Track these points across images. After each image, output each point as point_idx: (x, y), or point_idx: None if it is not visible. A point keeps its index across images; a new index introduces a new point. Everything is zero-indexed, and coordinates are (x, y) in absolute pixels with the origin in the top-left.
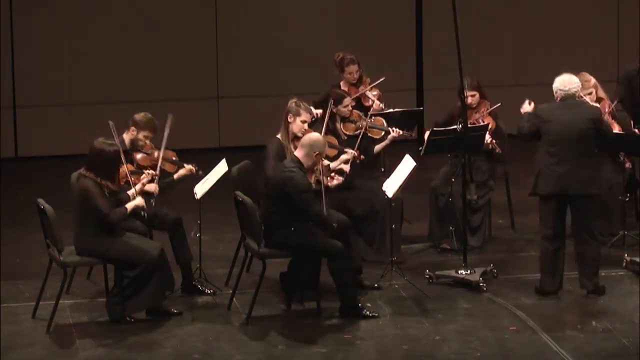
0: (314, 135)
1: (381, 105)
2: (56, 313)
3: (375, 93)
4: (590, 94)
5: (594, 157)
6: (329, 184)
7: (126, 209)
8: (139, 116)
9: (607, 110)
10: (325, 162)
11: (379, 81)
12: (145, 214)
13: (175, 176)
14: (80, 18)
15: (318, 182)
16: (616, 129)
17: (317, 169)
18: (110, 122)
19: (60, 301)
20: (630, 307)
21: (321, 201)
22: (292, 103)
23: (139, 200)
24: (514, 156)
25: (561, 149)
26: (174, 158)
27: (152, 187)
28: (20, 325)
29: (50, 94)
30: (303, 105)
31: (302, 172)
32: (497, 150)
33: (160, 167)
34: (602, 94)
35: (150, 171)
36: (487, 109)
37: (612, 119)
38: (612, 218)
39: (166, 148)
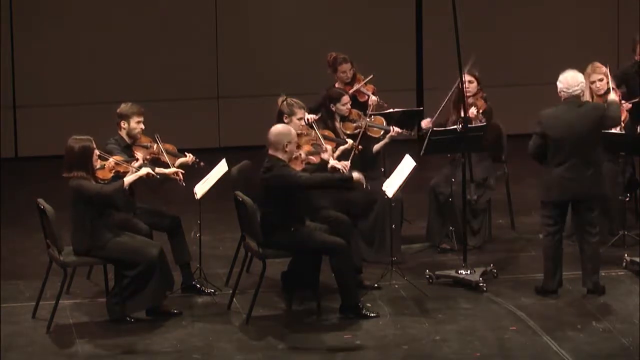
0: (276, 129)
1: (377, 99)
2: (56, 313)
3: (372, 93)
4: (601, 80)
5: (598, 157)
6: (323, 156)
7: (123, 181)
8: (121, 109)
9: (617, 97)
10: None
11: (369, 77)
12: (158, 175)
13: (176, 163)
14: (80, 18)
15: (308, 163)
16: (624, 116)
17: (299, 156)
18: (157, 135)
19: (60, 301)
20: (630, 307)
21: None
22: (283, 103)
23: (143, 171)
24: (514, 156)
25: (566, 152)
26: (172, 149)
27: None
28: (20, 325)
29: (51, 94)
30: (295, 103)
31: (281, 164)
32: (480, 120)
33: (159, 158)
34: (613, 82)
35: (139, 154)
36: (482, 96)
37: (622, 105)
38: (612, 218)
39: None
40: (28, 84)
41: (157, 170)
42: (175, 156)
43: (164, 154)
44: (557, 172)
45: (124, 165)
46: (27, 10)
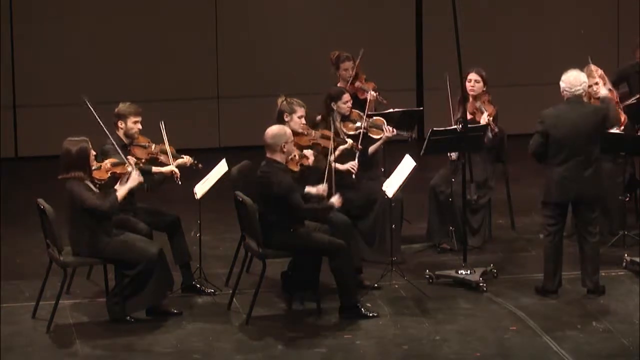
0: (271, 131)
1: (377, 94)
2: (56, 313)
3: (371, 88)
4: (597, 84)
5: (598, 158)
6: (308, 162)
7: (116, 196)
8: (118, 108)
9: (615, 100)
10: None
11: (360, 55)
12: (147, 186)
13: (174, 164)
14: (80, 18)
15: (302, 164)
16: (623, 118)
17: (293, 157)
18: (162, 123)
19: (60, 301)
20: (630, 307)
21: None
22: (283, 102)
23: (132, 182)
24: (514, 156)
25: (567, 152)
26: (170, 150)
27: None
28: (20, 325)
29: (50, 94)
30: (295, 101)
31: (282, 169)
32: (494, 130)
33: (157, 158)
34: (610, 85)
35: (138, 154)
36: (489, 99)
37: (619, 108)
38: (612, 218)
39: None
40: (28, 84)
41: (154, 169)
42: (173, 157)
43: (162, 154)
44: (557, 171)
45: (120, 166)
46: (27, 10)
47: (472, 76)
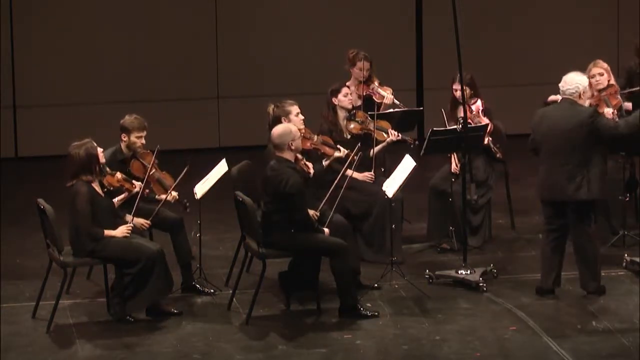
0: (277, 131)
1: (393, 98)
2: (56, 313)
3: (389, 92)
4: (601, 74)
5: (583, 160)
6: (310, 171)
7: (103, 232)
8: (125, 121)
9: (615, 89)
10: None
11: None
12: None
13: (157, 197)
14: (80, 18)
15: (305, 164)
16: (615, 102)
17: (301, 159)
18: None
19: (60, 301)
20: (630, 307)
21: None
22: (273, 109)
23: (118, 233)
24: (513, 156)
25: (545, 152)
26: (167, 183)
27: (140, 222)
28: (20, 325)
29: (50, 94)
30: (285, 102)
31: (292, 168)
32: (498, 156)
33: (152, 187)
34: (613, 80)
35: (135, 169)
36: (479, 109)
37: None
38: (612, 218)
39: (166, 172)
40: (28, 84)
41: (120, 197)
42: (165, 189)
43: (158, 183)
44: (540, 170)
45: (128, 183)
46: (27, 10)
47: (457, 86)
